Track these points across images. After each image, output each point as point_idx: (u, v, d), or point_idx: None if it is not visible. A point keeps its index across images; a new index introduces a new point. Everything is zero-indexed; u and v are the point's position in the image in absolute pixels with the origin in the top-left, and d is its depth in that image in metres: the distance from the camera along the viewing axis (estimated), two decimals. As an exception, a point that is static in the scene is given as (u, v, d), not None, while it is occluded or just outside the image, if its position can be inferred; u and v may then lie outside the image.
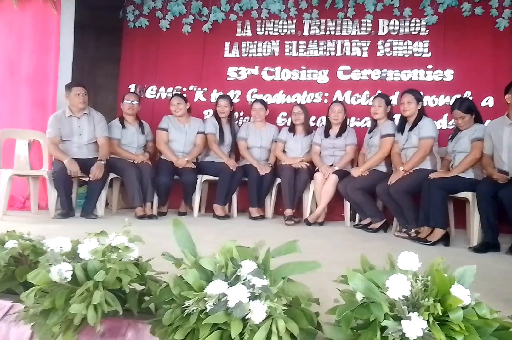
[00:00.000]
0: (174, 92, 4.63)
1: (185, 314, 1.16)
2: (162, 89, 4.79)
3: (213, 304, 1.15)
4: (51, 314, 1.24)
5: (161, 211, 4.06)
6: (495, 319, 1.11)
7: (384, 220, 3.63)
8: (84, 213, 3.70)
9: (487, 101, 4.15)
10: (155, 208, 3.98)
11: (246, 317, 1.13)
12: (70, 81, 4.12)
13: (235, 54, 4.70)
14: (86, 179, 3.71)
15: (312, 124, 4.41)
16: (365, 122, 4.40)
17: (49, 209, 3.75)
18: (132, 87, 4.80)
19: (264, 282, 1.18)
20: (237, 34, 4.69)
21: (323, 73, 4.54)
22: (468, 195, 3.20)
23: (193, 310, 1.15)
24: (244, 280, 1.19)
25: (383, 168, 3.79)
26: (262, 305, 1.13)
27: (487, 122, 3.46)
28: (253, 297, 1.16)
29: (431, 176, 3.29)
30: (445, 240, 3.13)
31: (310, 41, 4.57)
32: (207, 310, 1.14)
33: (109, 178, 3.92)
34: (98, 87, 4.62)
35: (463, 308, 1.08)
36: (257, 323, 1.12)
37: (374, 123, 3.94)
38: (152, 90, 4.81)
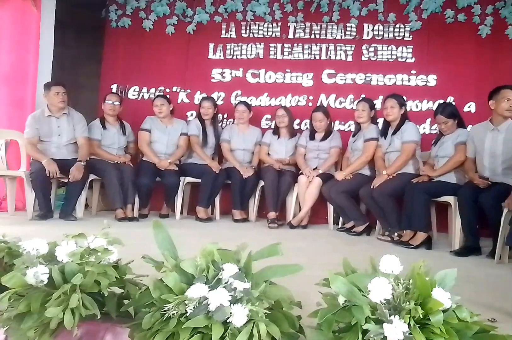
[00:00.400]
0: (157, 93, 4.58)
1: (165, 318, 1.15)
2: (144, 89, 4.74)
3: (194, 307, 1.14)
4: (26, 318, 1.23)
5: (142, 213, 4.00)
6: (475, 322, 1.13)
7: (367, 224, 3.64)
8: (63, 215, 3.63)
9: (469, 107, 4.21)
10: (136, 210, 3.92)
11: (227, 321, 1.12)
12: (50, 80, 4.05)
13: (220, 56, 4.67)
14: (65, 180, 3.65)
15: (296, 127, 4.41)
16: (349, 125, 4.42)
17: (26, 210, 3.67)
18: (114, 87, 4.73)
19: (245, 285, 1.18)
20: (221, 36, 4.67)
21: (307, 76, 4.55)
22: (450, 199, 3.23)
23: (173, 314, 1.14)
24: (225, 283, 1.20)
25: (366, 171, 3.81)
26: (243, 308, 1.13)
27: (469, 127, 3.50)
28: (234, 301, 1.15)
29: (423, 171, 3.34)
30: (427, 243, 3.16)
31: (295, 44, 4.58)
32: (188, 314, 1.13)
33: (89, 179, 3.85)
34: (79, 87, 4.54)
35: (444, 311, 1.09)
36: (238, 326, 1.12)
37: (358, 127, 3.96)
38: (134, 90, 4.75)
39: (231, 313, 1.12)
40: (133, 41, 4.74)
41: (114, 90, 4.66)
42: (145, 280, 1.34)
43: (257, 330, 1.12)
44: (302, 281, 1.38)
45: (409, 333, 1.05)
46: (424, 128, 4.26)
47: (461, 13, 4.26)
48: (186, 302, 1.15)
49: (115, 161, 3.92)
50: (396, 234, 3.32)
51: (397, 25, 4.42)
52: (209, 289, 1.16)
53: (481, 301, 1.84)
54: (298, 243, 3.07)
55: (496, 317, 1.61)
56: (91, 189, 4.08)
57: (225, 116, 4.62)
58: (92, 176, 3.88)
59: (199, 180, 4.02)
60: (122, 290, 1.37)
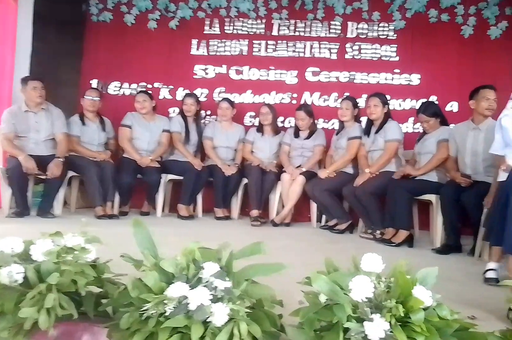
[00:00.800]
0: (139, 89, 4.50)
1: (143, 318, 1.14)
2: (125, 85, 4.66)
3: (173, 307, 1.14)
4: (-1, 319, 1.19)
5: (122, 211, 3.93)
6: (455, 320, 1.15)
7: (350, 222, 3.65)
8: (41, 212, 3.56)
9: (451, 106, 4.25)
10: (116, 208, 3.86)
11: (208, 320, 1.12)
12: (28, 75, 3.95)
13: (203, 52, 4.63)
14: (43, 177, 3.56)
15: (280, 124, 4.40)
16: (333, 124, 4.42)
17: (2, 207, 3.59)
18: (94, 83, 4.65)
19: (226, 284, 1.19)
20: (205, 32, 4.62)
21: (291, 74, 4.53)
22: (432, 197, 3.27)
23: (152, 314, 1.13)
24: (206, 282, 1.19)
25: (350, 170, 3.82)
26: (224, 307, 1.12)
27: (451, 126, 3.54)
28: (215, 300, 1.15)
29: (404, 170, 3.37)
30: (409, 241, 3.19)
31: (279, 41, 4.55)
32: (167, 313, 1.12)
33: (68, 176, 3.78)
34: (59, 82, 4.42)
35: (425, 309, 1.11)
36: (219, 326, 1.11)
37: (342, 125, 3.96)
38: (115, 86, 4.67)
39: (211, 312, 1.11)
40: (115, 35, 4.65)
41: (94, 85, 4.57)
42: (124, 279, 1.33)
43: (237, 329, 1.12)
44: (285, 279, 1.37)
45: (390, 331, 1.06)
46: (406, 127, 4.29)
47: (444, 13, 4.30)
48: (165, 301, 1.14)
49: (95, 158, 3.86)
50: (378, 232, 3.34)
51: (381, 24, 4.43)
52: (190, 288, 1.16)
53: (461, 299, 1.86)
54: (281, 241, 3.06)
55: (476, 314, 1.63)
56: (70, 186, 4.01)
57: (208, 113, 4.58)
58: (71, 173, 3.80)
59: (181, 178, 3.98)
60: (101, 290, 1.35)
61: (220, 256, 1.28)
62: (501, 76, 4.01)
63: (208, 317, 1.11)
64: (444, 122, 3.45)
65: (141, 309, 1.14)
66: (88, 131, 3.98)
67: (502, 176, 2.41)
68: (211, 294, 1.14)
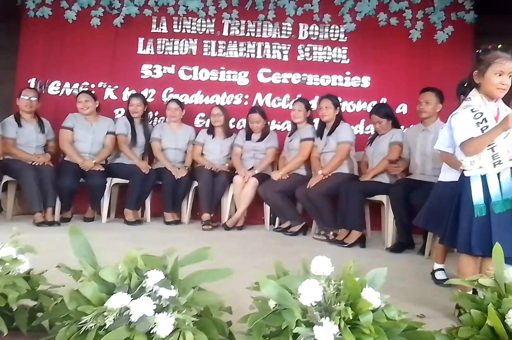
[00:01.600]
0: (81, 89, 4.28)
1: (81, 331, 1.09)
2: (67, 84, 4.40)
3: (114, 319, 1.08)
4: None
5: (64, 217, 3.72)
6: (403, 320, 1.16)
7: (303, 223, 3.63)
8: (-29, 220, 3.34)
9: (401, 108, 4.30)
10: (57, 214, 3.66)
11: (152, 331, 1.08)
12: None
13: (150, 51, 4.45)
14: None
15: (232, 126, 4.35)
16: (285, 125, 4.39)
17: None
18: (32, 82, 4.35)
19: (171, 292, 1.15)
20: (152, 30, 4.45)
21: (243, 74, 4.47)
22: (382, 198, 3.32)
23: (91, 327, 1.09)
24: (149, 291, 1.14)
25: (302, 171, 3.82)
26: (169, 317, 1.08)
27: (402, 127, 3.62)
28: (159, 309, 1.11)
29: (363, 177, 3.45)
30: (362, 242, 3.23)
31: (230, 42, 4.47)
32: (107, 326, 1.07)
33: (3, 180, 3.57)
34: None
35: (373, 311, 1.11)
36: (163, 337, 1.07)
37: (294, 126, 3.97)
38: (55, 85, 4.40)
39: (155, 323, 1.08)
40: (54, 32, 4.38)
41: (32, 85, 4.29)
42: (61, 290, 1.25)
43: (183, 339, 1.07)
44: (236, 284, 1.34)
45: (339, 334, 1.05)
46: (358, 129, 4.30)
47: (393, 17, 4.35)
48: (105, 313, 1.08)
49: (33, 162, 3.65)
50: (331, 233, 3.36)
51: (332, 26, 4.44)
52: (132, 298, 1.11)
53: (411, 298, 1.89)
54: (233, 245, 3.02)
55: (425, 312, 1.66)
56: (6, 192, 3.76)
57: (156, 114, 4.43)
58: (6, 178, 3.61)
59: (127, 181, 3.82)
60: (35, 303, 1.28)
61: (165, 263, 1.23)
62: (449, 79, 4.12)
63: (152, 328, 1.07)
64: (396, 124, 3.51)
65: (79, 322, 1.09)
66: (25, 133, 3.77)
67: (443, 176, 2.46)
68: (155, 304, 1.09)
